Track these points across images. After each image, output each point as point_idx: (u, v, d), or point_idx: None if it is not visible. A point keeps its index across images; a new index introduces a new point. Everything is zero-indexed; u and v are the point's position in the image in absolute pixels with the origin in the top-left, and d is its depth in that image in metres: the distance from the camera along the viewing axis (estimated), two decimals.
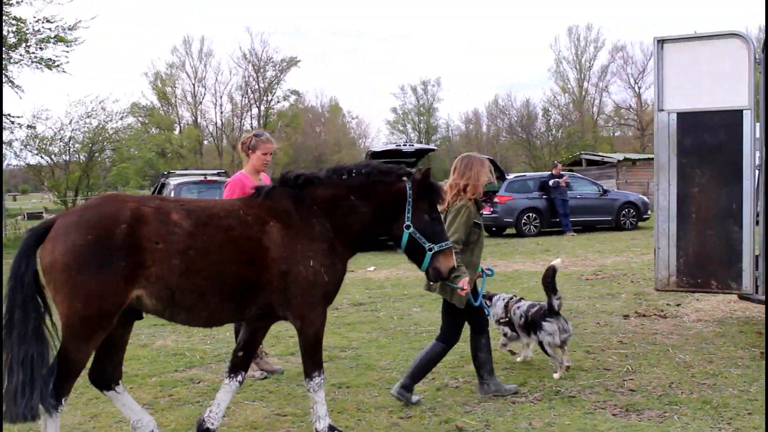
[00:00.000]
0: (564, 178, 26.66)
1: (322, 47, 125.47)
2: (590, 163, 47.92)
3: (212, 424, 5.92)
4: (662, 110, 9.72)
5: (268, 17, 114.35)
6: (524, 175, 29.10)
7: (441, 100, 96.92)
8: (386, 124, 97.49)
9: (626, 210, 27.56)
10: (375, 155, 21.79)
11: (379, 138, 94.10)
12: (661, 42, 9.76)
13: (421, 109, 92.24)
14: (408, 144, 23.84)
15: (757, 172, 9.62)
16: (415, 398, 6.95)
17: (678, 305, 11.46)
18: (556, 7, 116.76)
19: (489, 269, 7.31)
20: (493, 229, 26.98)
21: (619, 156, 46.43)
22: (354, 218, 5.72)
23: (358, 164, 5.92)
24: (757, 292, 9.50)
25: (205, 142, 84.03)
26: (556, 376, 7.82)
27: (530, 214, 26.43)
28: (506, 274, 15.73)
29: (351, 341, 9.47)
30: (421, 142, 77.19)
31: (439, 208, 6.09)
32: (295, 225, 5.53)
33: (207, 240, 5.20)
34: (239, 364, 5.99)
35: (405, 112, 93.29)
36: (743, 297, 9.79)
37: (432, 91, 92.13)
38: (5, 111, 32.00)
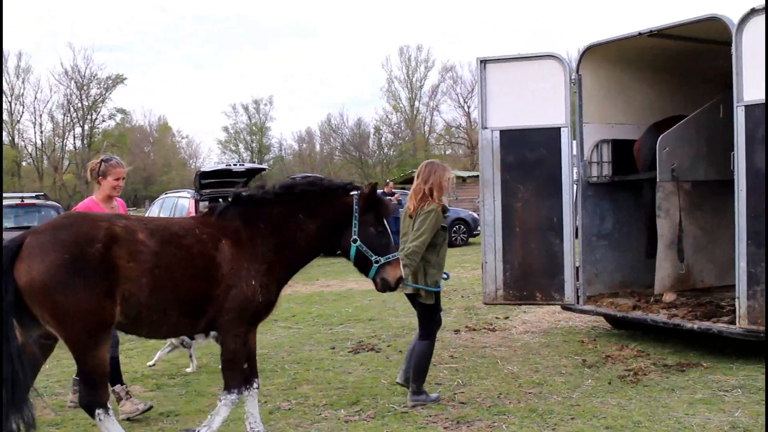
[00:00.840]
0: (396, 195, 27.14)
1: (150, 65, 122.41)
2: None
3: (259, 428, 6.19)
4: (486, 128, 10.10)
5: (92, 32, 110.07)
6: None
7: (273, 119, 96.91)
8: (218, 143, 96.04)
9: (457, 226, 28.36)
10: (204, 176, 21.40)
11: (211, 158, 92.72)
12: (483, 62, 10.15)
13: (254, 128, 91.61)
14: (238, 164, 23.59)
15: (575, 186, 10.15)
16: (434, 395, 7.42)
17: (506, 318, 11.88)
18: (388, 27, 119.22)
19: (445, 273, 7.56)
20: None
21: None
22: (301, 236, 5.98)
23: (308, 181, 6.18)
24: (578, 303, 10.00)
25: (24, 164, 79.90)
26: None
27: None
28: (339, 293, 15.80)
29: (179, 367, 9.21)
30: (253, 162, 76.58)
31: (411, 212, 6.56)
32: (243, 244, 5.80)
33: (170, 258, 5.50)
34: (249, 375, 6.16)
35: (237, 132, 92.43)
36: (566, 307, 10.27)
37: (264, 110, 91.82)
38: None
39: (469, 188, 43.68)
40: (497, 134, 10.04)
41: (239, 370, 5.93)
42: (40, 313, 5.17)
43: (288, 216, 5.97)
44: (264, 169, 29.20)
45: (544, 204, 9.91)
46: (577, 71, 10.16)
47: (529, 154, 9.95)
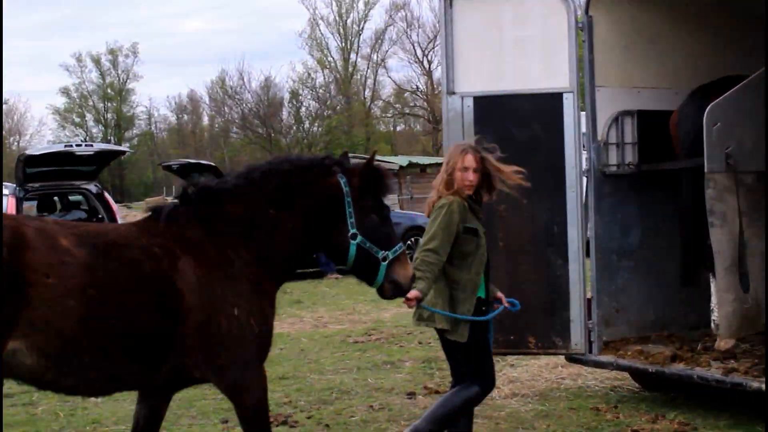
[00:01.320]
0: None
1: None
2: None
3: None
4: (453, 93, 10.08)
5: None
6: None
7: (140, 78, 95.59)
8: (53, 113, 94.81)
9: (413, 238, 28.29)
10: (32, 161, 21.06)
11: (43, 134, 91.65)
12: None
13: (109, 91, 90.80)
14: (84, 144, 23.34)
15: (585, 179, 10.16)
16: None
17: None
18: None
19: (512, 301, 8.04)
20: None
21: (403, 160, 47.98)
22: (279, 238, 6.31)
23: (272, 161, 6.67)
24: (591, 351, 10.02)
25: None
26: None
27: None
28: None
29: None
30: (108, 141, 75.91)
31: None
32: (211, 260, 6.07)
33: (109, 275, 5.65)
34: None
35: (84, 96, 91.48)
36: (573, 359, 10.29)
37: (125, 64, 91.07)
38: None
39: (431, 181, 43.73)
40: (470, 102, 10.03)
41: (267, 425, 6.30)
42: None
43: (255, 213, 6.28)
44: (123, 153, 28.99)
45: (539, 206, 9.92)
46: (587, 12, 10.22)
47: (516, 132, 9.96)
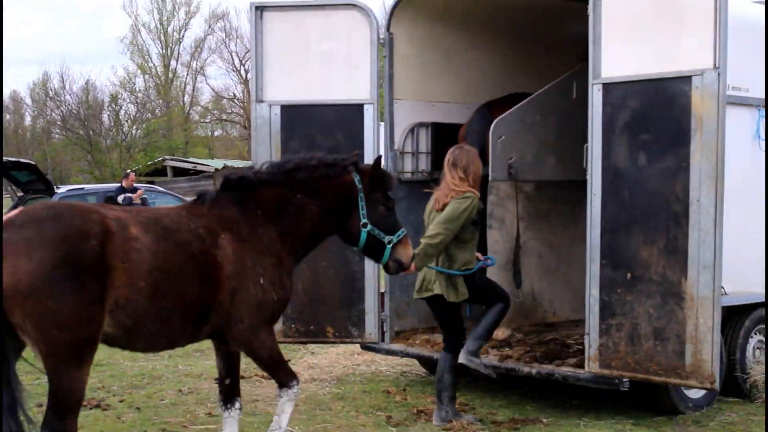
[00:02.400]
0: (139, 192, 26.79)
1: None
2: (179, 172, 48.84)
3: None
4: (262, 101, 10.28)
5: None
6: (83, 188, 29.06)
7: None
8: None
9: None
10: None
11: None
12: (260, 9, 10.24)
13: None
14: None
15: None
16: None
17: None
18: None
19: (489, 257, 9.16)
20: None
21: (219, 163, 47.82)
22: (303, 220, 7.29)
23: (302, 157, 7.43)
24: (383, 340, 10.37)
25: None
26: None
27: None
28: None
29: None
30: None
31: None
32: (245, 236, 6.97)
33: (168, 257, 6.48)
34: (231, 393, 7.50)
35: None
36: (367, 347, 10.63)
37: None
38: None
39: None
40: (277, 110, 10.23)
41: (285, 364, 7.38)
42: (21, 320, 5.88)
43: (286, 198, 7.22)
44: None
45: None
46: (388, 29, 10.55)
47: (320, 139, 10.18)
